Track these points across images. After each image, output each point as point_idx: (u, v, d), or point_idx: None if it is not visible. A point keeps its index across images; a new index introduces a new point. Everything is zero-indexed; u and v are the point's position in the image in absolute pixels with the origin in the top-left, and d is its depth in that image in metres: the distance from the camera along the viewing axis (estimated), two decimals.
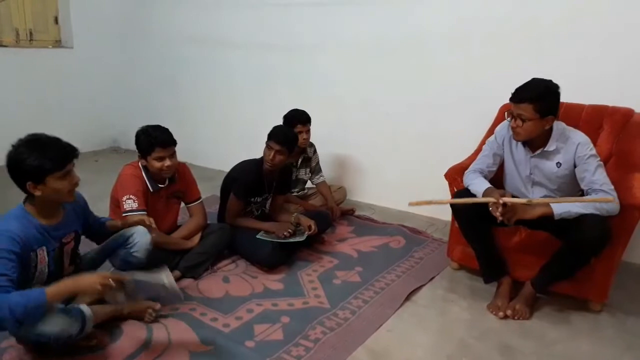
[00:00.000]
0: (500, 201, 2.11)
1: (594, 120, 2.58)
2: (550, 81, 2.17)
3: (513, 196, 2.25)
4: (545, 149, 2.26)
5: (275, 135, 2.72)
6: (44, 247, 1.84)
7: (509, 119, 2.25)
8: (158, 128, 2.40)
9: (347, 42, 3.76)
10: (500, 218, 2.12)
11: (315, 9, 3.84)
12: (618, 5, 2.74)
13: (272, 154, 2.69)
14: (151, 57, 5.04)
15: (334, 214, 3.36)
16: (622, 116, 2.55)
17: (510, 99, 2.21)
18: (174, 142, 2.41)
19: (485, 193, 2.24)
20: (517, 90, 2.19)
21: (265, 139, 2.76)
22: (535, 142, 2.28)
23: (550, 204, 2.12)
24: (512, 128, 2.23)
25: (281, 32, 4.09)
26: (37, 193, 1.77)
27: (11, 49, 4.53)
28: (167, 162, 2.37)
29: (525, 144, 2.33)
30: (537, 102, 2.12)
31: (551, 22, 2.94)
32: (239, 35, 4.34)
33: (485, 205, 2.18)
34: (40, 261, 1.82)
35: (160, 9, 4.82)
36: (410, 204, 2.18)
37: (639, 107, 2.56)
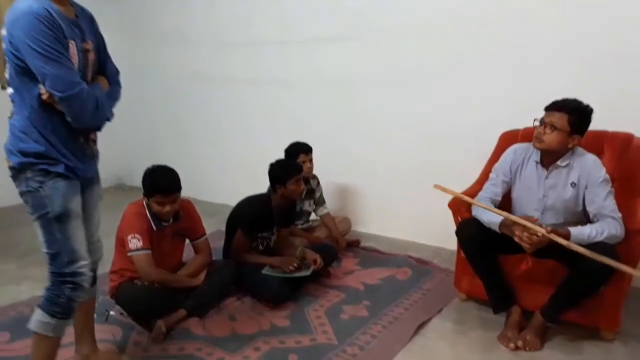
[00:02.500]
0: (545, 234, 2.04)
1: (595, 145, 2.57)
2: (588, 104, 2.24)
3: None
4: (558, 163, 2.29)
5: (298, 168, 2.86)
6: (74, 41, 1.62)
7: (537, 124, 2.28)
8: (164, 172, 2.40)
9: (345, 76, 3.82)
10: (528, 247, 2.10)
11: (313, 46, 3.93)
12: (610, 29, 2.79)
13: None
14: (155, 94, 5.13)
15: (339, 246, 3.35)
16: (622, 141, 2.56)
17: (546, 108, 2.28)
18: (177, 189, 2.39)
19: (502, 224, 2.22)
20: (555, 101, 2.27)
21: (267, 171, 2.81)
22: (550, 159, 2.32)
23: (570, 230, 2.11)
24: (538, 135, 2.27)
25: (281, 68, 4.16)
26: None
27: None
28: (167, 208, 2.37)
29: (540, 162, 2.36)
30: (573, 115, 2.20)
31: (545, 52, 2.99)
32: (240, 72, 4.42)
33: (493, 231, 2.18)
34: (71, 57, 1.61)
35: (162, 48, 4.93)
36: (436, 187, 2.22)
37: (637, 131, 2.57)
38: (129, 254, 2.34)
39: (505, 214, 2.18)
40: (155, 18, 4.93)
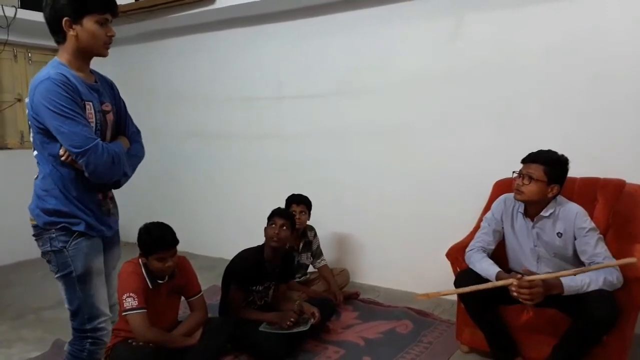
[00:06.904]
0: (526, 278, 2.06)
1: (588, 193, 2.62)
2: (562, 154, 2.31)
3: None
4: (542, 214, 2.31)
5: (276, 211, 2.87)
6: (91, 103, 1.72)
7: (515, 175, 2.34)
8: (161, 228, 2.40)
9: (338, 130, 3.89)
10: (528, 302, 2.08)
11: (306, 101, 4.03)
12: (595, 85, 2.89)
13: (277, 229, 2.76)
14: (148, 151, 5.14)
15: (337, 300, 3.30)
16: (615, 187, 2.59)
17: (523, 160, 2.34)
18: (176, 242, 2.41)
19: (498, 277, 2.22)
20: (530, 153, 2.33)
21: (264, 225, 2.82)
22: (533, 210, 2.34)
23: (562, 281, 2.09)
24: (517, 187, 2.31)
25: (274, 122, 4.24)
26: (71, 33, 1.67)
27: (16, 151, 4.67)
28: (169, 263, 2.37)
29: (524, 213, 2.38)
30: (548, 165, 2.25)
31: (534, 105, 3.08)
32: (234, 127, 4.49)
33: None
34: (88, 116, 1.70)
35: (157, 104, 4.99)
36: (419, 298, 2.17)
37: (628, 177, 2.61)
38: (123, 313, 2.29)
39: (483, 286, 2.17)
40: (149, 76, 5.03)
